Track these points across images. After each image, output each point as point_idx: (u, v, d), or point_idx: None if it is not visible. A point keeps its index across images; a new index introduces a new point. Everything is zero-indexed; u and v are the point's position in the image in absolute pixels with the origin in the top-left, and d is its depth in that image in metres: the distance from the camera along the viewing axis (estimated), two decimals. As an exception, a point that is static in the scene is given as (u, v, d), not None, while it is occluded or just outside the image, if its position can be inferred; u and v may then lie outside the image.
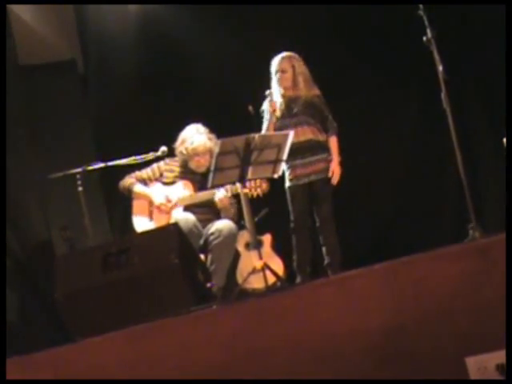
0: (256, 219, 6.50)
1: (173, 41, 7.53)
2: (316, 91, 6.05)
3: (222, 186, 5.68)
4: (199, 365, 3.68)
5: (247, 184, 5.59)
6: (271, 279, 5.54)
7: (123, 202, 6.33)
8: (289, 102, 6.00)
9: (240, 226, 6.02)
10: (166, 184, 6.07)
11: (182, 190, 5.99)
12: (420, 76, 6.91)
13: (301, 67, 6.01)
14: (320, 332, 3.62)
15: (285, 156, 5.31)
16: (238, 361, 3.65)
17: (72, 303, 4.63)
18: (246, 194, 5.55)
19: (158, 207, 5.97)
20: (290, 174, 5.96)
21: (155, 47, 7.62)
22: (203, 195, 5.89)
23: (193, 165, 6.02)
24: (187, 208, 5.91)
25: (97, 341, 3.94)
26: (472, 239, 4.90)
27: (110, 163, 6.06)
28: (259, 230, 6.63)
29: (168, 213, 5.94)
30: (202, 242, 5.71)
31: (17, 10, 6.86)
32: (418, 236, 6.82)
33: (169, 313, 4.10)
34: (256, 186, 5.75)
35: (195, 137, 5.98)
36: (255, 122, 5.92)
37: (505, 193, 4.61)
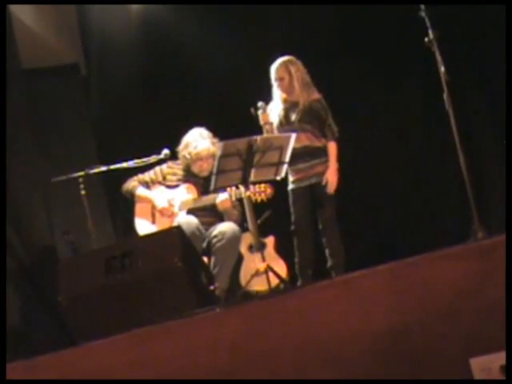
0: (259, 221, 6.50)
1: (175, 43, 7.53)
2: (316, 95, 6.02)
3: (224, 188, 5.68)
4: (203, 367, 3.68)
5: (252, 189, 5.60)
6: (274, 281, 5.54)
7: (126, 206, 6.33)
8: (287, 110, 6.00)
9: (243, 228, 6.02)
10: (168, 187, 6.07)
11: (186, 194, 5.99)
12: (422, 77, 6.90)
13: (297, 72, 5.97)
14: (324, 333, 3.62)
15: (287, 158, 5.32)
16: (242, 363, 3.64)
17: (75, 306, 4.64)
18: (249, 197, 5.55)
19: (161, 211, 5.97)
20: (292, 177, 5.96)
21: (158, 50, 7.62)
22: (207, 199, 5.89)
23: (196, 169, 6.02)
24: (190, 211, 5.91)
25: (100, 344, 3.93)
26: (475, 240, 4.90)
27: (113, 166, 6.06)
28: (262, 232, 6.64)
29: (170, 216, 5.95)
30: (204, 244, 5.72)
31: (19, 13, 6.86)
32: (421, 237, 6.81)
33: (172, 315, 4.09)
34: (260, 191, 5.75)
35: (199, 141, 5.98)
36: (257, 125, 5.92)
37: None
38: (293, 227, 6.01)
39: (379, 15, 6.98)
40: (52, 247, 6.42)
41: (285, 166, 5.41)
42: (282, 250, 6.90)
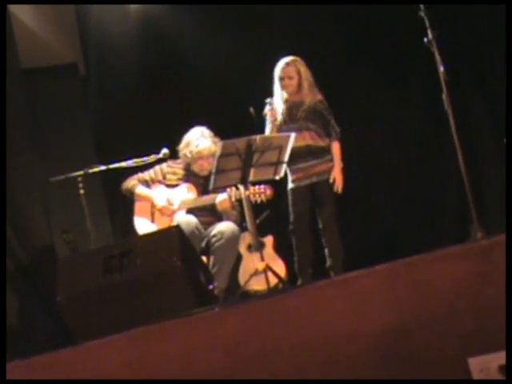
0: (258, 221, 6.50)
1: (174, 43, 7.53)
2: (319, 96, 6.05)
3: (224, 188, 5.68)
4: (201, 366, 3.68)
5: (252, 189, 5.60)
6: (273, 281, 5.54)
7: (125, 205, 6.33)
8: (291, 108, 5.99)
9: (242, 228, 6.03)
10: (168, 186, 6.07)
11: (185, 193, 5.99)
12: (421, 77, 6.91)
13: (306, 73, 5.99)
14: (323, 333, 3.62)
15: (286, 157, 5.32)
16: (241, 362, 3.64)
17: (74, 306, 4.63)
18: (248, 197, 5.55)
19: (160, 210, 5.97)
20: (292, 176, 5.96)
21: (157, 50, 7.63)
22: (207, 198, 5.89)
23: (196, 168, 6.02)
24: (189, 210, 5.92)
25: (99, 343, 3.93)
26: (474, 240, 4.90)
27: (112, 166, 6.06)
28: (261, 231, 6.64)
29: (170, 215, 5.95)
30: (203, 244, 5.72)
31: (18, 13, 6.86)
32: (420, 237, 6.82)
33: (171, 315, 4.09)
34: (260, 192, 5.75)
35: (200, 140, 5.98)
36: (256, 124, 5.92)
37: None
38: (291, 227, 6.01)
39: (379, 15, 6.98)
40: (51, 247, 6.42)
41: (284, 166, 5.42)
42: (281, 250, 6.90)
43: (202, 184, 5.97)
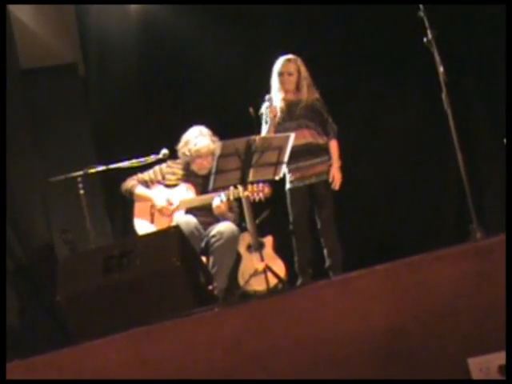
0: (257, 221, 6.50)
1: (174, 43, 7.52)
2: (316, 95, 6.05)
3: (223, 188, 5.68)
4: (201, 366, 3.68)
5: (250, 188, 5.60)
6: (273, 281, 5.54)
7: (124, 205, 6.33)
8: (290, 106, 5.99)
9: (241, 228, 6.03)
10: (168, 186, 6.07)
11: (185, 193, 5.99)
12: (421, 77, 6.90)
13: (305, 71, 6.01)
14: (322, 333, 3.62)
15: (286, 158, 5.32)
16: (240, 362, 3.65)
17: (74, 306, 4.63)
18: (247, 197, 5.55)
19: (160, 210, 5.97)
20: (290, 177, 5.96)
21: (156, 50, 7.62)
22: (206, 198, 5.89)
23: (195, 167, 6.02)
24: (188, 210, 5.92)
25: (99, 343, 3.93)
26: (473, 240, 4.90)
27: (112, 166, 6.06)
28: (261, 232, 6.64)
29: (169, 215, 5.95)
30: (203, 244, 5.72)
31: (18, 13, 6.86)
32: (419, 237, 6.81)
33: (170, 315, 4.09)
34: (258, 190, 5.75)
35: (199, 139, 5.98)
36: (256, 124, 5.92)
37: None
38: (291, 227, 6.01)
39: (378, 15, 6.98)
40: (50, 247, 6.42)
41: (283, 166, 5.43)
42: (281, 250, 6.90)
43: (202, 184, 5.97)
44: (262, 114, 6.03)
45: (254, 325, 3.72)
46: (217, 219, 5.89)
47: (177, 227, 5.05)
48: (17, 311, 5.92)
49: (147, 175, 6.10)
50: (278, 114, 5.97)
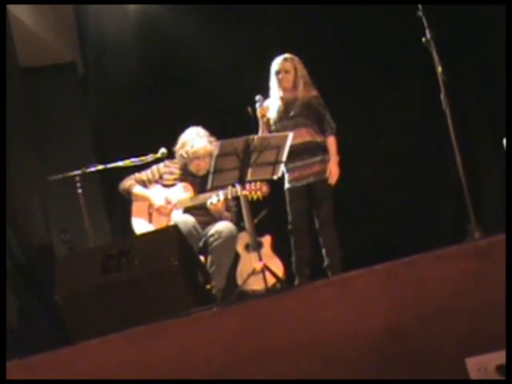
0: (255, 221, 6.50)
1: (172, 42, 7.53)
2: (313, 92, 6.06)
3: (221, 187, 5.68)
4: (199, 366, 3.68)
5: (248, 187, 5.60)
6: (271, 280, 5.54)
7: (123, 204, 6.33)
8: (287, 104, 6.00)
9: (240, 227, 6.02)
10: (165, 186, 6.07)
11: (182, 192, 5.99)
12: (419, 77, 6.91)
13: (302, 70, 6.03)
14: (321, 333, 3.62)
15: (284, 157, 5.32)
16: (239, 362, 3.65)
17: (72, 305, 4.63)
18: (245, 196, 5.55)
19: (158, 209, 5.97)
20: (289, 176, 5.96)
21: (155, 49, 7.63)
22: (204, 197, 5.89)
23: (193, 168, 6.02)
24: (187, 210, 5.92)
25: (97, 343, 3.93)
26: (472, 239, 4.90)
27: (110, 165, 6.06)
28: (259, 231, 6.64)
29: (167, 215, 5.95)
30: (201, 243, 5.72)
31: (17, 12, 6.86)
32: (417, 236, 6.82)
33: (169, 315, 4.09)
34: (256, 189, 5.75)
35: (196, 140, 5.98)
36: (254, 124, 5.92)
37: (505, 193, 4.61)
38: (290, 227, 6.01)
39: (377, 15, 6.99)
40: (49, 246, 6.42)
41: (282, 166, 5.42)
42: (279, 250, 6.90)
43: (199, 183, 5.97)
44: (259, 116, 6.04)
45: (253, 324, 3.72)
46: (215, 218, 5.89)
47: (175, 226, 5.05)
48: (15, 311, 5.91)
49: (145, 175, 6.10)
50: (273, 114, 5.98)
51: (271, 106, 6.02)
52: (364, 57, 7.14)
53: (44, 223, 6.45)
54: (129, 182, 6.07)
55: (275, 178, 5.46)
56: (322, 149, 5.99)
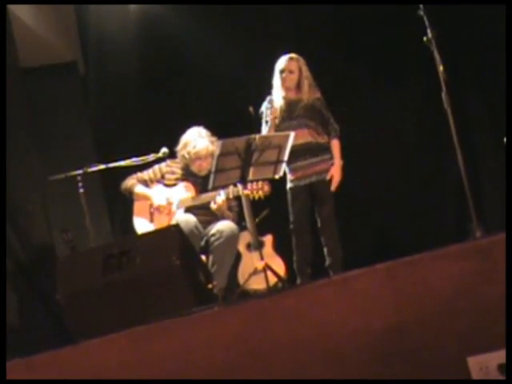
0: (257, 220, 6.50)
1: (173, 42, 7.54)
2: (317, 94, 6.06)
3: (223, 187, 5.68)
4: (201, 366, 3.68)
5: (249, 186, 5.60)
6: (273, 280, 5.55)
7: (124, 204, 6.33)
8: (290, 105, 6.00)
9: (241, 226, 6.02)
10: (167, 186, 6.07)
11: (184, 192, 5.99)
12: (420, 76, 6.91)
13: (306, 71, 6.03)
14: (322, 332, 3.62)
15: (286, 157, 5.32)
16: (240, 362, 3.65)
17: (74, 305, 4.63)
18: (247, 196, 5.55)
19: (159, 209, 5.97)
20: (291, 176, 5.96)
21: (156, 49, 7.64)
22: (205, 197, 5.89)
23: (195, 168, 6.02)
24: (188, 209, 5.92)
25: (99, 342, 3.93)
26: (473, 238, 4.90)
27: (111, 165, 6.06)
28: (260, 230, 6.64)
29: (169, 214, 5.95)
30: (203, 243, 5.72)
31: (18, 12, 6.86)
32: (419, 235, 6.82)
33: (170, 314, 4.09)
34: (258, 188, 5.75)
35: (197, 140, 5.98)
36: (255, 123, 5.92)
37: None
38: (291, 226, 6.01)
39: (378, 14, 6.99)
40: (50, 245, 6.41)
41: (283, 165, 5.42)
42: (280, 249, 6.90)
43: (201, 183, 5.97)
44: (262, 113, 6.03)
45: (254, 324, 3.72)
46: (216, 218, 5.89)
47: (176, 226, 5.04)
48: (16, 310, 5.91)
49: (147, 174, 6.11)
50: (278, 114, 5.97)
51: (275, 104, 6.01)
52: (365, 56, 7.14)
53: (45, 223, 6.45)
54: (131, 182, 6.07)
55: (277, 177, 5.46)
56: (325, 149, 5.99)
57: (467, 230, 5.06)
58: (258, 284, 5.91)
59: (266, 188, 5.79)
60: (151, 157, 6.06)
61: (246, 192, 5.51)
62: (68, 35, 7.84)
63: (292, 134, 5.31)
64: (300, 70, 6.02)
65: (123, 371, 3.73)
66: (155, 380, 3.70)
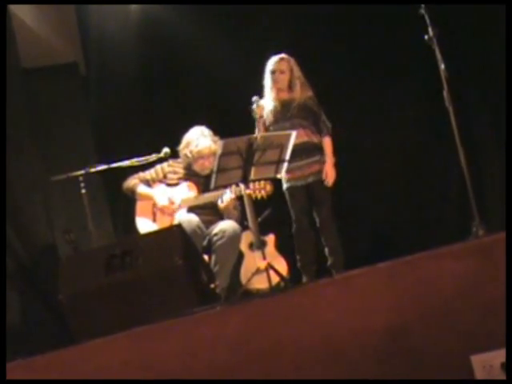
0: (259, 220, 6.49)
1: (174, 42, 7.54)
2: (309, 93, 6.05)
3: (225, 186, 5.67)
4: (203, 365, 3.68)
5: (251, 186, 5.59)
6: (275, 279, 5.54)
7: (126, 204, 6.33)
8: (283, 105, 6.00)
9: (243, 226, 6.02)
10: (169, 185, 6.07)
11: (187, 192, 5.99)
12: (422, 74, 6.90)
13: (298, 71, 6.03)
14: (324, 331, 3.62)
15: (287, 156, 5.31)
16: (242, 361, 3.65)
17: (76, 305, 4.63)
18: (249, 195, 5.54)
19: (162, 209, 5.97)
20: (287, 176, 5.93)
21: (157, 49, 7.63)
22: (208, 197, 5.89)
23: (197, 167, 6.02)
24: (190, 209, 5.92)
25: (101, 342, 3.94)
26: (475, 237, 4.89)
27: (113, 165, 6.06)
28: (263, 230, 6.64)
29: (171, 214, 5.95)
30: (205, 242, 5.71)
31: (19, 12, 6.86)
32: (421, 234, 6.81)
33: (173, 314, 4.09)
34: (260, 188, 5.75)
35: (200, 139, 5.98)
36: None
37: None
38: (294, 225, 6.01)
39: (379, 12, 6.98)
40: (52, 246, 6.42)
41: (285, 164, 5.41)
42: (283, 248, 6.90)
43: (203, 183, 5.97)
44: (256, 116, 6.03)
45: (257, 323, 3.72)
46: (219, 217, 5.89)
47: (179, 226, 5.04)
48: (19, 311, 5.91)
49: (149, 174, 6.10)
50: (267, 114, 5.97)
51: (266, 106, 6.01)
52: (366, 55, 7.13)
53: (47, 223, 6.45)
54: (133, 182, 6.07)
55: (279, 176, 5.46)
56: (320, 149, 5.98)
57: (470, 228, 5.06)
58: (260, 283, 5.91)
59: (269, 188, 5.79)
60: (153, 157, 6.06)
61: (248, 192, 5.51)
62: (69, 36, 7.84)
63: (294, 133, 5.30)
64: (291, 70, 6.01)
65: (125, 371, 3.73)
66: (158, 380, 3.70)
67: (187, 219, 5.70)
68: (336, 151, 5.98)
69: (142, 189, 6.05)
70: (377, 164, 7.26)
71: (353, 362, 3.53)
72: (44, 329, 5.94)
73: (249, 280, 5.90)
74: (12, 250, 5.94)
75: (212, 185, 5.22)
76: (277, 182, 5.77)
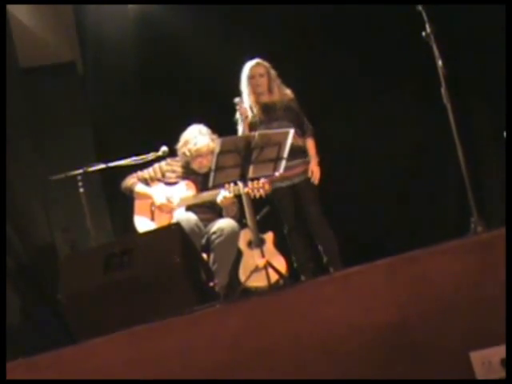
0: (258, 218, 6.49)
1: (172, 41, 7.53)
2: (289, 95, 6.08)
3: (223, 185, 5.67)
4: (202, 364, 3.68)
5: (250, 185, 5.59)
6: (274, 277, 5.54)
7: (125, 203, 6.33)
8: (266, 108, 6.02)
9: (242, 224, 6.02)
10: (168, 184, 6.07)
11: (185, 190, 5.99)
12: (420, 71, 6.89)
13: (274, 74, 6.10)
14: (324, 329, 3.62)
15: (285, 153, 5.30)
16: (242, 360, 3.65)
17: (75, 304, 4.63)
18: (247, 193, 5.54)
19: (160, 207, 5.97)
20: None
21: (155, 49, 7.63)
22: (206, 195, 5.89)
23: (195, 166, 6.02)
24: (189, 208, 5.91)
25: (100, 342, 3.94)
26: (474, 234, 4.89)
27: (111, 164, 6.06)
28: (261, 228, 6.63)
29: (169, 213, 5.94)
30: (204, 241, 5.71)
31: (16, 12, 6.86)
32: (420, 231, 6.81)
33: (172, 312, 4.09)
34: (259, 187, 5.75)
35: (198, 138, 5.98)
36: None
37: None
38: (287, 226, 6.04)
39: (376, 9, 6.97)
40: (51, 245, 6.42)
41: (283, 162, 5.41)
42: (282, 246, 6.89)
43: (201, 181, 5.97)
44: (237, 119, 6.03)
45: (256, 321, 3.72)
46: (217, 215, 5.89)
47: (177, 224, 5.05)
48: (18, 310, 5.92)
49: (147, 173, 6.10)
50: (251, 116, 5.98)
51: (248, 110, 6.02)
52: (364, 52, 7.13)
53: (46, 222, 6.46)
54: (131, 181, 6.07)
55: (277, 174, 5.46)
56: (304, 151, 6.02)
57: (468, 225, 5.05)
58: (259, 281, 5.90)
59: (267, 186, 5.79)
60: (151, 155, 6.06)
61: (247, 190, 5.51)
62: (67, 35, 7.84)
63: (292, 131, 5.30)
64: (268, 73, 6.05)
65: (125, 370, 3.73)
66: (157, 379, 3.70)
67: (186, 218, 5.70)
68: (335, 150, 6.00)
69: (140, 188, 6.05)
70: (375, 161, 7.25)
71: (353, 359, 3.53)
72: (43, 328, 5.95)
73: (247, 278, 5.88)
74: (11, 249, 5.94)
75: (210, 183, 5.22)
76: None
